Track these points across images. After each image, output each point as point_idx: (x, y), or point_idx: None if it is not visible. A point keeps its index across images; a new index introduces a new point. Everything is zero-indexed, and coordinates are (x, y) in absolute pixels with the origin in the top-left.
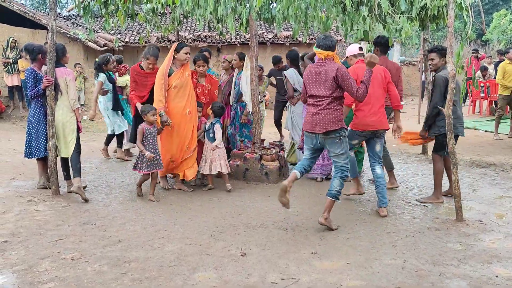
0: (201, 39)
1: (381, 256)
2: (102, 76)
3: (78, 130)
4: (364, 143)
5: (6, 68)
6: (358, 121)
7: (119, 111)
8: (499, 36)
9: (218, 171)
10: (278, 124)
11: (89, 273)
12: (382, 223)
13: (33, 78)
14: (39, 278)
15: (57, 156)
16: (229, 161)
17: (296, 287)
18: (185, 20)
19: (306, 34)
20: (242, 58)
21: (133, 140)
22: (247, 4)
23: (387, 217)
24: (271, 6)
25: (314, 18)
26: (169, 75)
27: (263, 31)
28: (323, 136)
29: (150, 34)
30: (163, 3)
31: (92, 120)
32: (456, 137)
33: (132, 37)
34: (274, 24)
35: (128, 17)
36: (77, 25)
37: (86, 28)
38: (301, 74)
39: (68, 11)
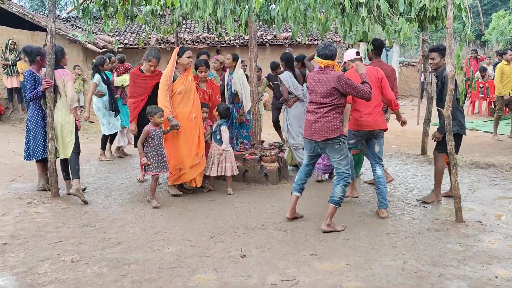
0: (200, 41)
1: (381, 257)
2: (96, 78)
3: (77, 129)
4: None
5: (5, 70)
6: (354, 121)
7: (115, 112)
8: (498, 36)
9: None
10: (276, 126)
11: (88, 275)
12: (381, 224)
13: (32, 80)
14: (38, 280)
15: (57, 157)
16: None
17: None
18: (184, 22)
19: (305, 36)
20: (235, 58)
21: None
22: (246, 5)
23: (386, 218)
24: (270, 8)
25: (313, 19)
26: (173, 81)
27: (262, 33)
28: (323, 142)
29: (149, 36)
30: (162, 4)
31: (91, 122)
32: (461, 136)
33: (131, 39)
34: (273, 25)
35: (127, 18)
36: (76, 27)
37: (85, 30)
38: (296, 77)
39: (67, 13)
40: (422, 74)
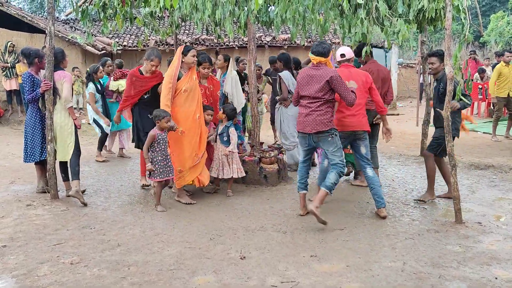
0: (200, 43)
1: (381, 259)
2: (91, 87)
3: (76, 130)
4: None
5: (4, 73)
6: (337, 122)
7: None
8: (496, 38)
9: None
10: (273, 123)
11: (88, 277)
12: (381, 226)
13: (30, 82)
14: (38, 283)
15: (56, 160)
16: None
17: None
18: (183, 24)
19: (304, 37)
20: (227, 59)
21: (137, 145)
22: (245, 7)
23: (386, 219)
24: (269, 9)
25: (312, 21)
26: (178, 79)
27: (261, 34)
28: (316, 135)
29: (149, 38)
30: (161, 6)
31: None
32: (453, 139)
33: (130, 41)
34: (272, 27)
35: (126, 21)
36: (75, 29)
37: (84, 32)
38: (294, 76)
39: (66, 15)
40: (421, 76)
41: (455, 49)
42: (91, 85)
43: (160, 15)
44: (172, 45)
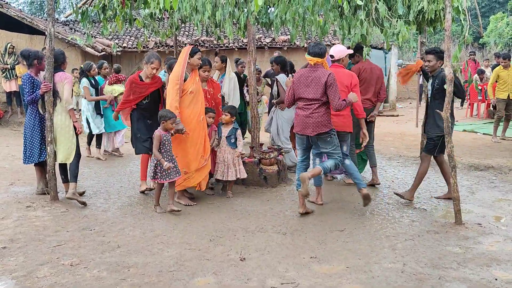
0: (199, 44)
1: (381, 260)
2: (84, 81)
3: (76, 131)
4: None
5: (4, 74)
6: None
7: (100, 114)
8: (496, 39)
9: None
10: None
11: (88, 279)
12: (381, 227)
13: (30, 84)
14: (38, 284)
15: (55, 161)
16: None
17: None
18: (183, 25)
19: (304, 39)
20: (224, 60)
21: (138, 151)
22: (245, 8)
23: (386, 220)
24: (268, 11)
25: (312, 22)
26: (184, 80)
27: (261, 36)
28: (315, 136)
29: (148, 39)
30: (161, 8)
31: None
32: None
33: (130, 42)
34: (272, 28)
35: (126, 22)
36: (75, 30)
37: (84, 34)
38: None
39: (66, 17)
40: (421, 77)
41: (455, 50)
42: (84, 79)
43: (160, 16)
44: (172, 46)
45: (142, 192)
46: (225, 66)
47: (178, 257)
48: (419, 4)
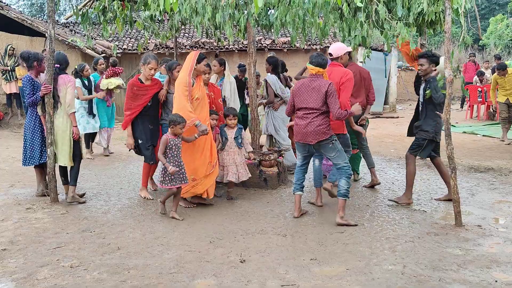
0: (199, 46)
1: (381, 262)
2: (77, 82)
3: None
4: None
5: (4, 76)
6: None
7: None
8: (495, 41)
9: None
10: None
11: (88, 281)
12: (381, 229)
13: (31, 86)
14: (38, 286)
15: (55, 163)
16: None
17: None
18: (183, 27)
19: (304, 41)
20: (222, 63)
21: (139, 152)
22: (245, 10)
23: (386, 222)
24: (269, 13)
25: (312, 24)
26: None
27: (261, 38)
28: (316, 144)
29: (148, 41)
30: (161, 10)
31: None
32: (437, 144)
33: (130, 44)
34: (272, 30)
35: (126, 24)
36: (75, 32)
37: (84, 35)
38: (280, 80)
39: (66, 19)
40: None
41: (454, 49)
42: (77, 80)
43: (160, 18)
44: (172, 48)
45: (144, 198)
46: (224, 70)
47: (178, 259)
48: (419, 6)
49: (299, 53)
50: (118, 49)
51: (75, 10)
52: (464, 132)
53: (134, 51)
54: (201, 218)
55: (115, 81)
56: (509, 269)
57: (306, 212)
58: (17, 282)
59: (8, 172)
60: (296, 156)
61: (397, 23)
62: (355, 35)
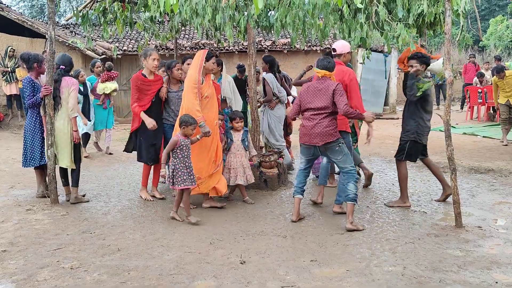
0: (199, 47)
1: (381, 263)
2: None
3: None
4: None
5: (5, 77)
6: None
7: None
8: (495, 42)
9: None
10: None
11: (88, 282)
12: (381, 230)
13: (31, 87)
14: None
15: (56, 164)
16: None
17: None
18: (183, 28)
19: (304, 42)
20: (219, 64)
21: (139, 158)
22: (245, 12)
23: (386, 223)
24: (269, 14)
25: (312, 25)
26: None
27: (261, 39)
28: (323, 146)
29: (148, 43)
30: (162, 11)
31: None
32: (425, 146)
33: (130, 45)
34: (272, 31)
35: (127, 25)
36: (75, 33)
37: (85, 37)
38: (277, 79)
39: (67, 20)
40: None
41: (452, 51)
42: None
43: (160, 19)
44: (172, 49)
45: (145, 200)
46: (221, 70)
47: (178, 260)
48: (419, 7)
49: (299, 54)
50: (118, 51)
51: (75, 12)
52: (464, 133)
53: (134, 53)
54: (201, 219)
55: (111, 85)
56: (509, 270)
57: (304, 218)
58: (17, 284)
59: (8, 173)
60: (291, 155)
61: (397, 24)
62: (355, 36)
